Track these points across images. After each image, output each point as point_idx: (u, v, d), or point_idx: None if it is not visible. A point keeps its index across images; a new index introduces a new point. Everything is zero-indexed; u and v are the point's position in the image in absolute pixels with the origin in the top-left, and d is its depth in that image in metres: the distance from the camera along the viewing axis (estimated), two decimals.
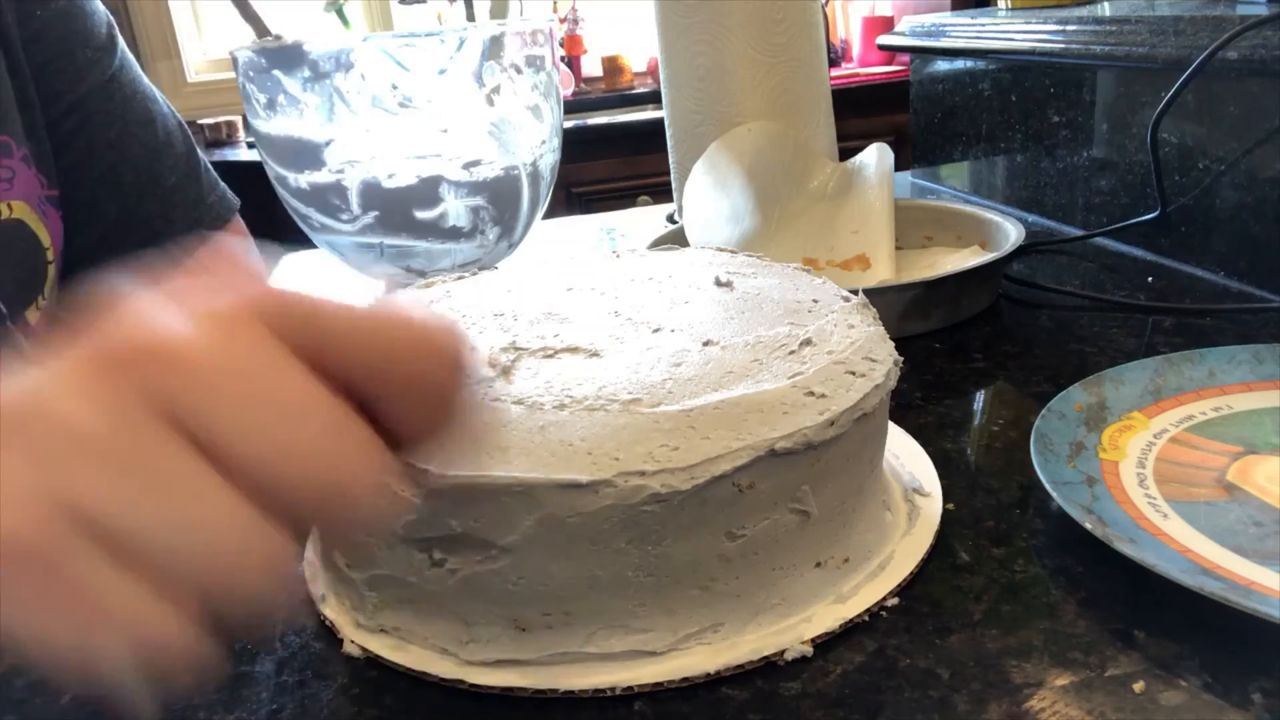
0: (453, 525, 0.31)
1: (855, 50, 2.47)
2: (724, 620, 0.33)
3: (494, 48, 0.70)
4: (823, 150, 0.80)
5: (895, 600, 0.35)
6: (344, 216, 0.73)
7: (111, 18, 0.61)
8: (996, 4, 0.94)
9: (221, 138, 2.34)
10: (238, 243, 0.66)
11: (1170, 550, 0.34)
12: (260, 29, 0.75)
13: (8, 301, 0.55)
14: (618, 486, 0.30)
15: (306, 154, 0.70)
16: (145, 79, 0.62)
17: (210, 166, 0.65)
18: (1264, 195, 0.62)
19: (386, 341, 0.21)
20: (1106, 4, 0.84)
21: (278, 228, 0.94)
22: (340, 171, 0.70)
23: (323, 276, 0.93)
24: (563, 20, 2.49)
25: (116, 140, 0.59)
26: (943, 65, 1.00)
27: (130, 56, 0.62)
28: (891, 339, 0.39)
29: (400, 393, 0.21)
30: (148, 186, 0.60)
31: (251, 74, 0.70)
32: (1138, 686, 0.30)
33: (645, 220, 1.03)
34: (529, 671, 0.33)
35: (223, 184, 0.66)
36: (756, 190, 0.73)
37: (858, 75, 2.27)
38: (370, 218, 0.72)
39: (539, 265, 0.51)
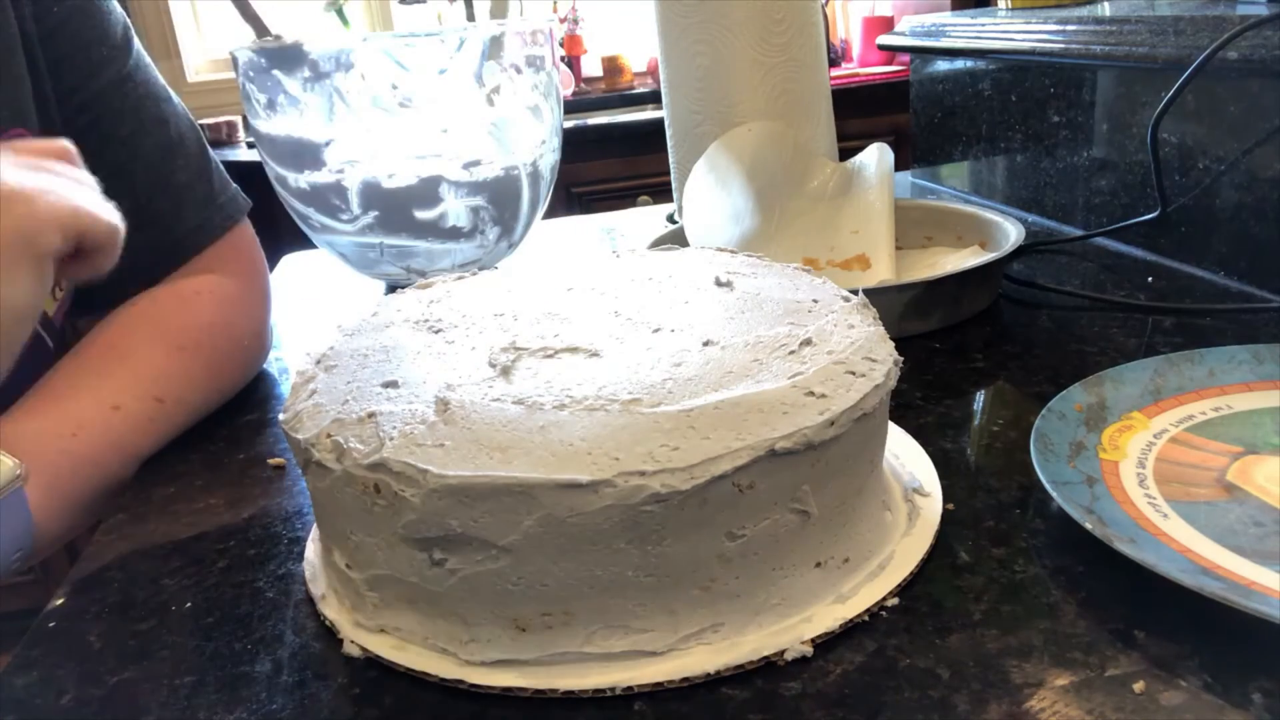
0: (453, 525, 0.31)
1: (855, 50, 2.47)
2: (724, 620, 0.33)
3: (494, 48, 0.70)
4: (823, 150, 0.80)
5: (895, 600, 0.35)
6: (344, 216, 0.73)
7: (128, 20, 0.62)
8: (996, 4, 0.94)
9: (221, 138, 2.34)
10: (246, 241, 0.66)
11: (1170, 550, 0.34)
12: (260, 29, 0.75)
13: None
14: (618, 486, 0.30)
15: (306, 154, 0.70)
16: (161, 80, 0.63)
17: (222, 167, 0.65)
18: (1264, 195, 0.62)
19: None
20: (1106, 4, 0.84)
21: (278, 228, 0.94)
22: (340, 171, 0.70)
23: (322, 277, 0.93)
24: (563, 20, 2.49)
25: (129, 137, 0.59)
26: (943, 65, 1.00)
27: (146, 58, 0.62)
28: (891, 339, 0.39)
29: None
30: (159, 184, 0.60)
31: (251, 74, 0.70)
32: (1138, 686, 0.30)
33: (645, 220, 1.03)
34: (529, 671, 0.33)
35: (234, 185, 0.66)
36: (756, 190, 0.73)
37: (858, 75, 2.27)
38: (370, 218, 0.72)
39: (539, 265, 0.51)
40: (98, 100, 0.58)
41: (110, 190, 0.59)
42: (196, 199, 0.62)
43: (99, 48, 0.58)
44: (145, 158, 0.60)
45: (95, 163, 0.58)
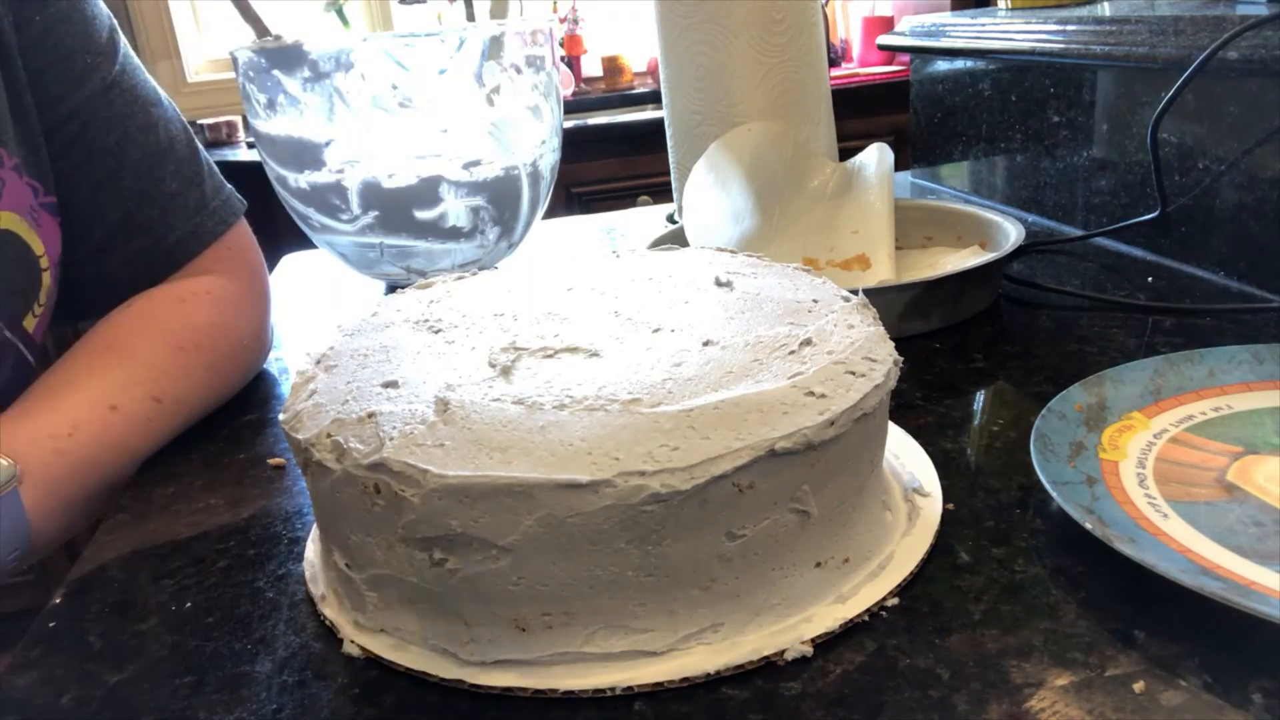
0: (453, 525, 0.31)
1: (855, 50, 2.47)
2: (724, 620, 0.33)
3: (494, 48, 0.70)
4: (823, 150, 0.80)
5: (895, 600, 0.35)
6: (344, 216, 0.73)
7: (114, 20, 0.61)
8: (996, 4, 0.94)
9: (221, 138, 2.34)
10: (244, 243, 0.65)
11: (1170, 550, 0.34)
12: (260, 29, 0.76)
13: (2, 311, 0.55)
14: (618, 486, 0.30)
15: (306, 154, 0.70)
16: (150, 82, 0.62)
17: (216, 169, 0.65)
18: (1264, 195, 0.62)
19: None
20: (1106, 4, 0.84)
21: (278, 228, 0.94)
22: (340, 171, 0.70)
23: (322, 277, 0.93)
24: (563, 20, 2.49)
25: (116, 146, 0.58)
26: (943, 65, 1.00)
27: (134, 59, 0.61)
28: (891, 339, 0.39)
29: None
30: (148, 192, 0.59)
31: (251, 74, 0.70)
32: (1138, 686, 0.30)
33: (645, 220, 1.03)
34: (529, 671, 0.33)
35: (229, 186, 0.65)
36: (756, 190, 0.73)
37: (858, 75, 2.27)
38: (370, 218, 0.72)
39: (539, 265, 0.51)
40: (83, 109, 0.57)
41: (98, 200, 0.59)
42: (187, 206, 0.61)
43: (83, 55, 0.57)
44: (133, 166, 0.59)
45: (82, 173, 0.58)
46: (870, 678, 0.32)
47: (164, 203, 0.60)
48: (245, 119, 1.55)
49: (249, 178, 0.78)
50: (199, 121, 2.31)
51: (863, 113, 2.08)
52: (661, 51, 0.81)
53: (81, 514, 0.51)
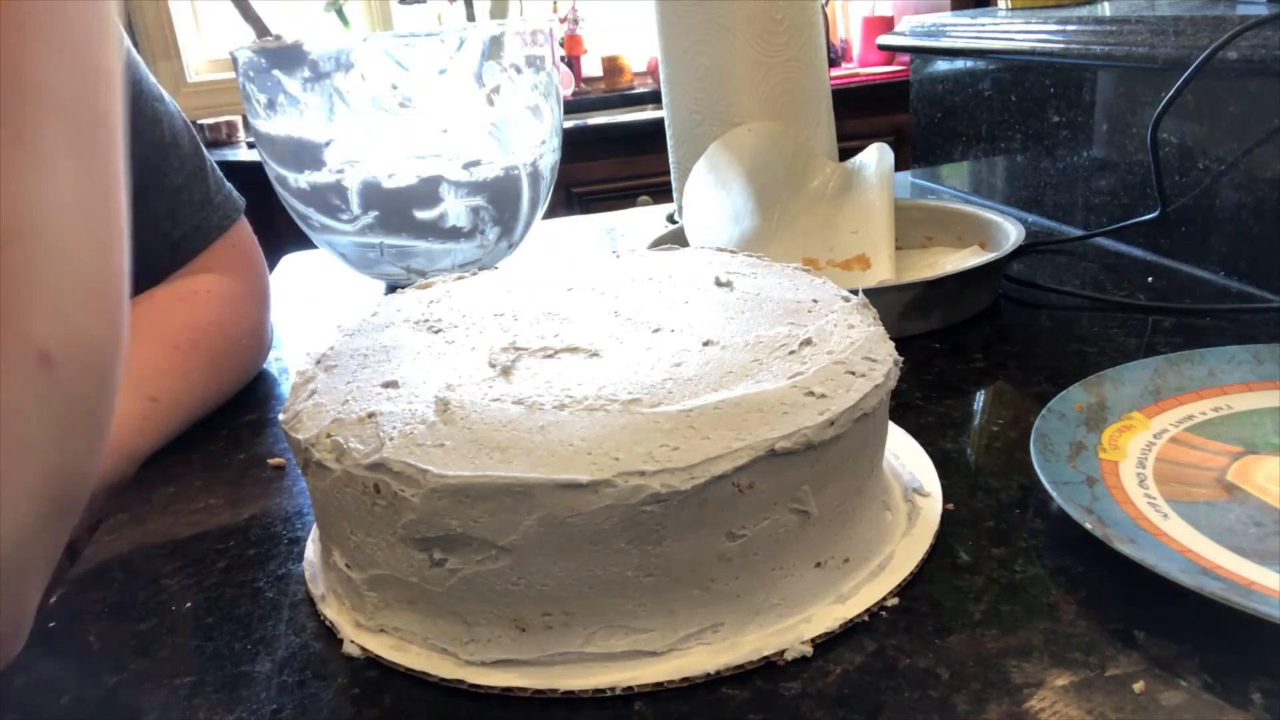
0: (453, 525, 0.31)
1: (855, 50, 2.47)
2: (724, 620, 0.33)
3: (494, 48, 0.70)
4: (823, 150, 0.80)
5: (895, 600, 0.35)
6: (344, 216, 0.73)
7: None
8: (996, 4, 0.94)
9: (221, 138, 2.34)
10: (245, 241, 0.66)
11: (1170, 550, 0.34)
12: (260, 29, 0.76)
13: None
14: (618, 486, 0.30)
15: (306, 154, 0.70)
16: (152, 78, 0.62)
17: (216, 167, 0.65)
18: (1264, 195, 0.62)
19: None
20: (1106, 4, 0.84)
21: (278, 228, 0.94)
22: (340, 171, 0.70)
23: (322, 277, 0.93)
24: (563, 20, 2.49)
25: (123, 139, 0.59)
26: (943, 65, 1.00)
27: (136, 56, 0.62)
28: (891, 339, 0.39)
29: None
30: (154, 186, 0.60)
31: (251, 74, 0.70)
32: (1138, 686, 0.30)
33: (645, 220, 1.03)
34: (529, 671, 0.33)
35: (229, 184, 0.66)
36: (756, 190, 0.73)
37: (858, 75, 2.27)
38: (370, 218, 0.72)
39: (539, 265, 0.51)
40: None
41: None
42: (193, 200, 0.61)
43: None
44: (139, 160, 0.59)
45: None
46: (870, 678, 0.32)
47: (170, 197, 0.60)
48: (245, 119, 1.55)
49: (249, 178, 0.78)
50: (199, 121, 2.31)
51: (863, 113, 2.08)
52: (661, 51, 0.81)
53: (81, 514, 0.51)
